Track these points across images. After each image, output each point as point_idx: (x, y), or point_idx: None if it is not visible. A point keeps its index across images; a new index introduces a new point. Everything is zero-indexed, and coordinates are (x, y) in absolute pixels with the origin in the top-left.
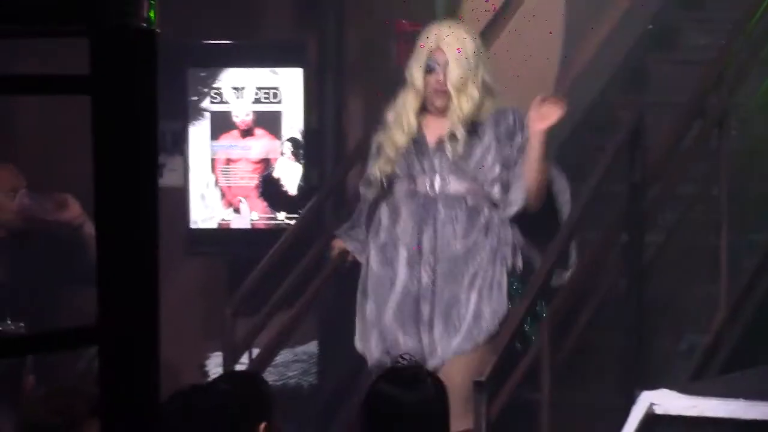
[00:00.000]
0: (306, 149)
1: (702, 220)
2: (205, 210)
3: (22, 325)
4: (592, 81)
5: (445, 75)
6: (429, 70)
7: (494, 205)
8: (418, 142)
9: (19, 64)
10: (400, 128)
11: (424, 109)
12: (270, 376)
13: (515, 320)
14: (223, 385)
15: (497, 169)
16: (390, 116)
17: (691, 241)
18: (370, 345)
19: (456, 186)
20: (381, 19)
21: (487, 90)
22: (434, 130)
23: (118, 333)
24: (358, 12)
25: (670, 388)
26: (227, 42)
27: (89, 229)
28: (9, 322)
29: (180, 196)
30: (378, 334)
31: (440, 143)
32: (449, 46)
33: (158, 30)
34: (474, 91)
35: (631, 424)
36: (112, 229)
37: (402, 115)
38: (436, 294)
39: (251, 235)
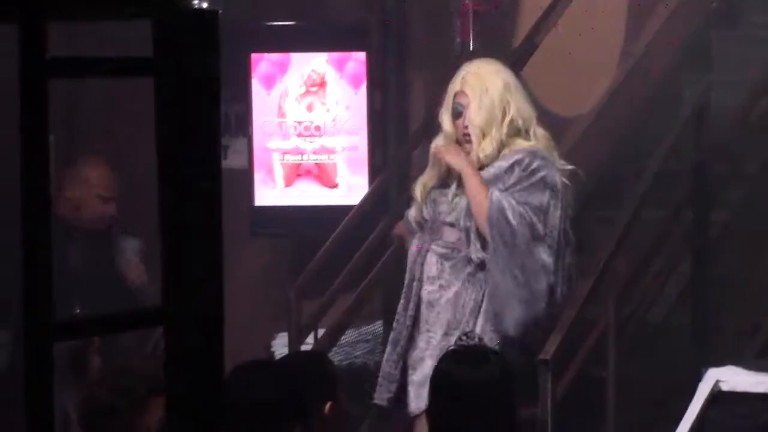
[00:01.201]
0: (370, 130)
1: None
2: (270, 191)
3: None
4: (656, 58)
5: (468, 119)
6: (456, 114)
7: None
8: (440, 184)
9: (76, 45)
10: (431, 171)
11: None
12: (335, 356)
13: (580, 299)
14: (290, 363)
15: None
16: (429, 161)
17: (757, 219)
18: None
19: (448, 235)
20: None
21: (515, 128)
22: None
23: (183, 314)
24: None
25: (737, 365)
26: (290, 23)
27: None
28: (78, 310)
29: (244, 178)
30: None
31: (444, 187)
32: (472, 88)
33: (220, 11)
34: (498, 134)
35: (697, 400)
36: (176, 211)
37: (435, 157)
38: (415, 342)
39: (316, 215)
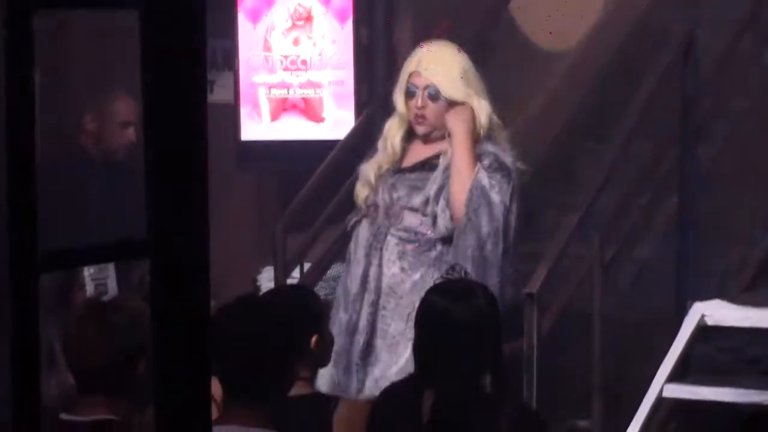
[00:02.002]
0: (357, 64)
1: (754, 134)
2: (257, 125)
3: None
4: None
5: (424, 98)
6: (409, 95)
7: (446, 239)
8: (391, 168)
9: None
10: (384, 153)
11: (413, 135)
12: (321, 290)
13: (566, 233)
14: (275, 298)
15: (434, 200)
16: (379, 143)
17: (743, 154)
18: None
19: (409, 219)
20: None
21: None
22: (412, 155)
23: (168, 245)
24: None
25: (723, 299)
26: None
27: None
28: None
29: (230, 112)
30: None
31: (403, 173)
32: (429, 69)
33: None
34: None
35: (683, 335)
36: (161, 143)
37: (387, 140)
38: (377, 328)
39: (303, 149)
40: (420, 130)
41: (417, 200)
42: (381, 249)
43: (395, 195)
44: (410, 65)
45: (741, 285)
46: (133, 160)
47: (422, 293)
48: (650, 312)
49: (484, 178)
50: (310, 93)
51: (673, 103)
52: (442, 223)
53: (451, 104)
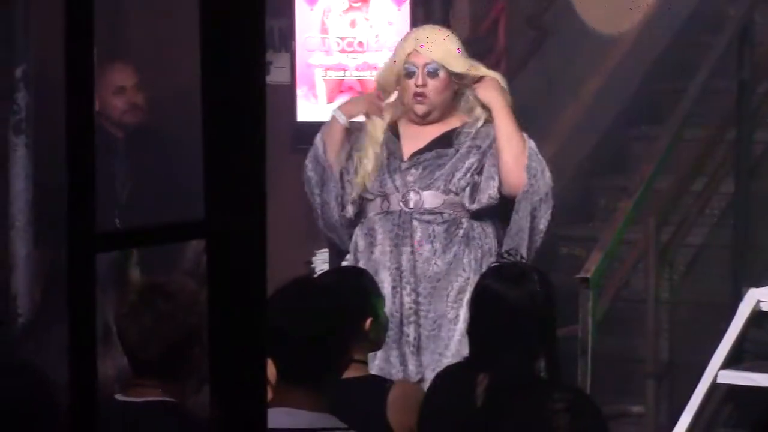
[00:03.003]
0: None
1: None
2: (313, 107)
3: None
4: None
5: (423, 77)
6: (409, 74)
7: (474, 215)
8: (394, 156)
9: None
10: (372, 139)
11: (405, 120)
12: None
13: (621, 217)
14: (331, 280)
15: (468, 176)
16: (367, 126)
17: None
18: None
19: (431, 200)
20: None
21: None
22: (412, 141)
23: (225, 227)
24: None
25: None
26: None
27: None
28: (117, 222)
29: (287, 93)
30: None
31: (415, 156)
32: (429, 45)
33: None
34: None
35: (738, 320)
36: (220, 124)
37: (375, 123)
38: (420, 316)
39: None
40: (420, 109)
41: (439, 180)
42: (411, 236)
43: (410, 179)
44: (406, 47)
45: None
46: (146, 124)
47: (459, 272)
48: (705, 297)
49: (533, 143)
50: (366, 75)
51: (729, 87)
52: (487, 194)
53: (450, 83)
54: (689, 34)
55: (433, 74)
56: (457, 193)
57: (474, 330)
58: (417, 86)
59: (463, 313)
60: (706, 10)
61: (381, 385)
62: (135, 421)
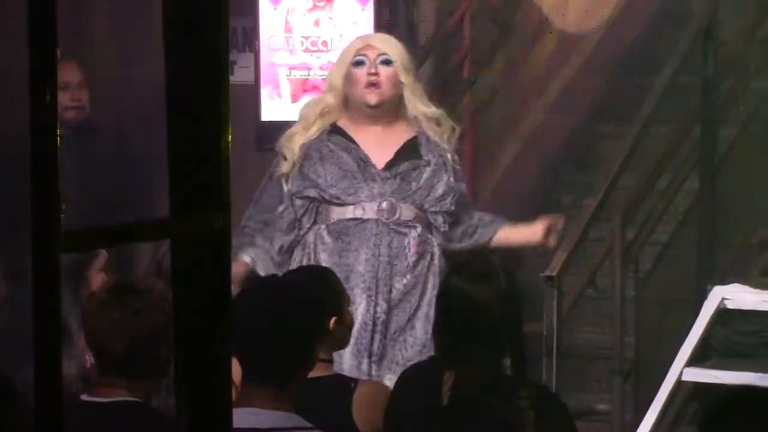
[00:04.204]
0: None
1: None
2: (277, 106)
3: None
4: None
5: (376, 66)
6: (359, 63)
7: (435, 232)
8: (364, 162)
9: None
10: (303, 125)
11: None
12: None
13: (587, 215)
14: (296, 279)
15: (448, 198)
16: (304, 112)
17: (765, 134)
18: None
19: (407, 212)
20: None
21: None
22: (376, 148)
23: (190, 227)
24: None
25: (742, 282)
26: None
27: None
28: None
29: (251, 93)
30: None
31: (392, 166)
32: (381, 42)
33: None
34: (419, 88)
35: (702, 318)
36: (184, 124)
37: (311, 111)
38: (388, 325)
39: None
40: (372, 98)
41: (416, 194)
42: (389, 246)
43: (387, 188)
44: (355, 43)
45: (761, 268)
46: (87, 123)
47: (426, 287)
48: (670, 295)
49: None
50: None
51: (693, 84)
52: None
53: (398, 81)
54: (654, 32)
55: (385, 63)
56: (427, 210)
57: (439, 328)
58: (369, 75)
59: (422, 324)
60: (670, 7)
61: (346, 384)
62: (101, 422)
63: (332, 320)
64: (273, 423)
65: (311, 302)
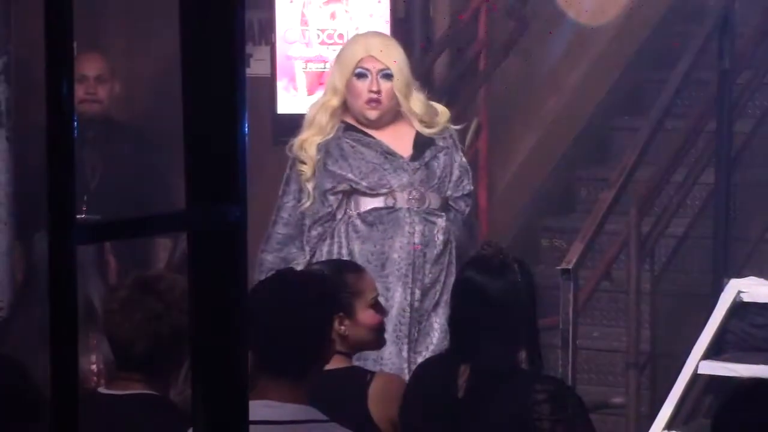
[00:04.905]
0: (393, 37)
1: None
2: (293, 99)
3: (98, 218)
4: None
5: (377, 82)
6: (360, 76)
7: (454, 219)
8: (388, 153)
9: None
10: (317, 130)
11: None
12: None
13: (602, 208)
14: (313, 273)
15: (465, 180)
16: (316, 118)
17: None
18: None
19: (434, 201)
20: None
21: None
22: (393, 139)
23: (206, 219)
24: None
25: (758, 276)
26: None
27: None
28: (84, 216)
29: (267, 85)
30: None
31: (417, 156)
32: (383, 53)
33: None
34: (420, 96)
35: (718, 311)
36: (201, 117)
37: (319, 114)
38: (419, 313)
39: None
40: (372, 114)
41: (442, 182)
42: (422, 234)
43: (416, 177)
44: (357, 51)
45: None
46: (103, 116)
47: (448, 275)
48: (686, 288)
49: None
50: None
51: (709, 78)
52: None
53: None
54: (670, 25)
55: (386, 77)
56: (453, 197)
57: (455, 321)
58: (371, 92)
59: (443, 310)
60: (687, 0)
61: (362, 376)
62: (119, 414)
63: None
64: (291, 416)
65: (329, 294)
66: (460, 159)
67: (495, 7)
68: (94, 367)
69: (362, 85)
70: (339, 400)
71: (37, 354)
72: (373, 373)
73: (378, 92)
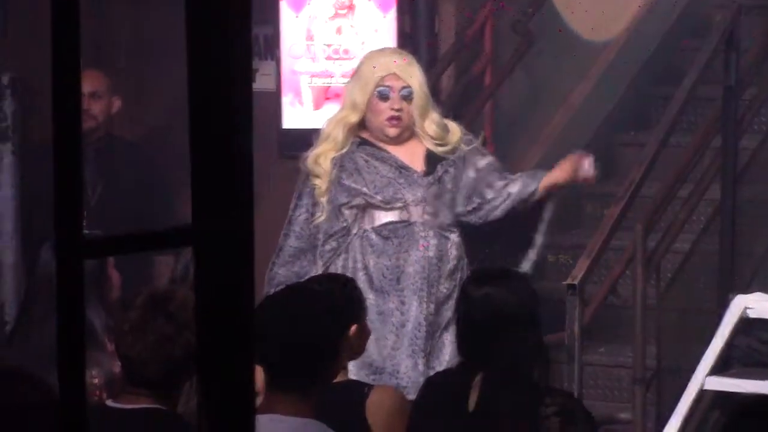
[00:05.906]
0: None
1: None
2: (299, 113)
3: (99, 233)
4: None
5: (399, 101)
6: (382, 96)
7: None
8: (402, 168)
9: None
10: (332, 145)
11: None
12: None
13: (608, 224)
14: (319, 287)
15: (474, 197)
16: (332, 133)
17: None
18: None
19: (448, 216)
20: None
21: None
22: (407, 155)
23: (212, 234)
24: None
25: (764, 291)
26: None
27: None
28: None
29: (273, 100)
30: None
31: (430, 171)
32: (405, 72)
33: None
34: (435, 116)
35: (725, 327)
36: (207, 131)
37: (337, 129)
38: (435, 326)
39: None
40: (393, 132)
41: (456, 197)
42: (436, 247)
43: (431, 192)
44: (379, 68)
45: None
46: (99, 133)
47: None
48: (692, 304)
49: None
50: None
51: (715, 94)
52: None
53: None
54: (676, 40)
55: (407, 98)
56: (464, 213)
57: (464, 335)
58: (393, 110)
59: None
60: (692, 15)
61: (360, 389)
62: (127, 428)
63: (352, 328)
64: (298, 430)
65: (336, 309)
66: (469, 172)
67: (501, 22)
68: (96, 380)
69: (384, 105)
70: (337, 414)
71: (42, 367)
72: (371, 386)
73: (399, 110)
